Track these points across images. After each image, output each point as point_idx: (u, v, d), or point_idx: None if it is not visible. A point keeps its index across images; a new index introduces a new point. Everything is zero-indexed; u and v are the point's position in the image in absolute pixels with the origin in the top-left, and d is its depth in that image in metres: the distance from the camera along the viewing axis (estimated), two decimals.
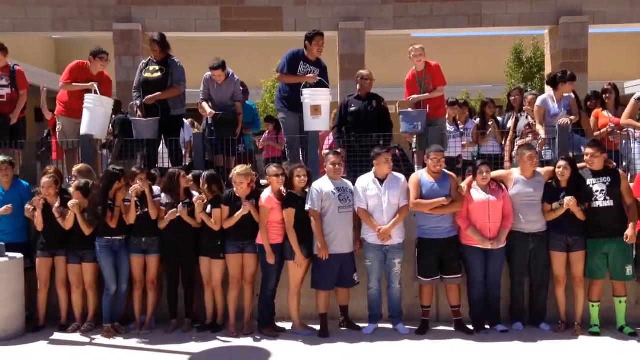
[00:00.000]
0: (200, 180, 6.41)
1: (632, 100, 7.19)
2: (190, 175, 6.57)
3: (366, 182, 6.23)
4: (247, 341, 6.10)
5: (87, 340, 6.21)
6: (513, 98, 8.74)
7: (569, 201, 5.98)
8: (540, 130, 7.50)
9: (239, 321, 6.35)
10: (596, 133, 7.43)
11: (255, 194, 6.30)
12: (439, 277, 6.22)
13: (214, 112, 7.55)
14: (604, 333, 6.13)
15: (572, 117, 7.29)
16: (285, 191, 6.21)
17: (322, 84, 7.42)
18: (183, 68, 7.68)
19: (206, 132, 7.81)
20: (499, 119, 9.02)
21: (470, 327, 6.27)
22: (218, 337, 6.18)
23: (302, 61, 7.57)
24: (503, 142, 8.56)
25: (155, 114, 7.51)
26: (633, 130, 7.24)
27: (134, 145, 7.65)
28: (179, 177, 6.37)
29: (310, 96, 7.18)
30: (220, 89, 7.70)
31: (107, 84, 7.88)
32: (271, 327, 6.28)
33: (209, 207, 6.30)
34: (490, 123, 8.72)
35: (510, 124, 8.54)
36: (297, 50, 7.67)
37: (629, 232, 5.96)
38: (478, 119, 9.09)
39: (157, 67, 7.60)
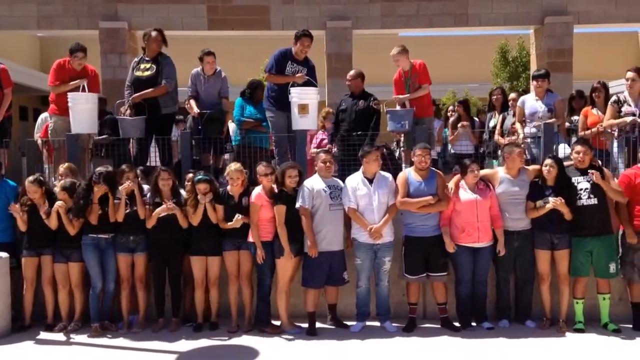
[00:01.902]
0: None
1: (609, 105, 7.26)
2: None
3: (355, 181, 6.24)
4: (235, 340, 6.10)
5: (74, 340, 6.16)
6: (495, 97, 8.88)
7: (555, 202, 6.04)
8: (519, 128, 7.58)
9: (239, 318, 6.37)
10: (585, 132, 7.50)
11: (248, 192, 6.32)
12: (425, 274, 6.26)
13: (198, 110, 7.53)
14: (588, 330, 6.20)
15: (554, 119, 7.37)
16: (276, 189, 6.23)
17: (309, 83, 7.44)
18: (174, 65, 7.64)
19: (193, 129, 7.79)
20: (476, 119, 9.16)
21: (457, 324, 6.31)
22: (206, 336, 6.17)
23: (290, 60, 7.58)
24: (478, 141, 8.71)
25: (144, 112, 7.46)
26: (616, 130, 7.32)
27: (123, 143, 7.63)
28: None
29: (298, 95, 7.18)
30: (207, 84, 7.69)
31: (93, 79, 7.77)
32: (271, 325, 6.30)
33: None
34: (460, 124, 8.82)
35: (492, 122, 8.65)
36: (285, 50, 7.68)
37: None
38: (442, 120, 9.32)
39: (147, 65, 7.56)
